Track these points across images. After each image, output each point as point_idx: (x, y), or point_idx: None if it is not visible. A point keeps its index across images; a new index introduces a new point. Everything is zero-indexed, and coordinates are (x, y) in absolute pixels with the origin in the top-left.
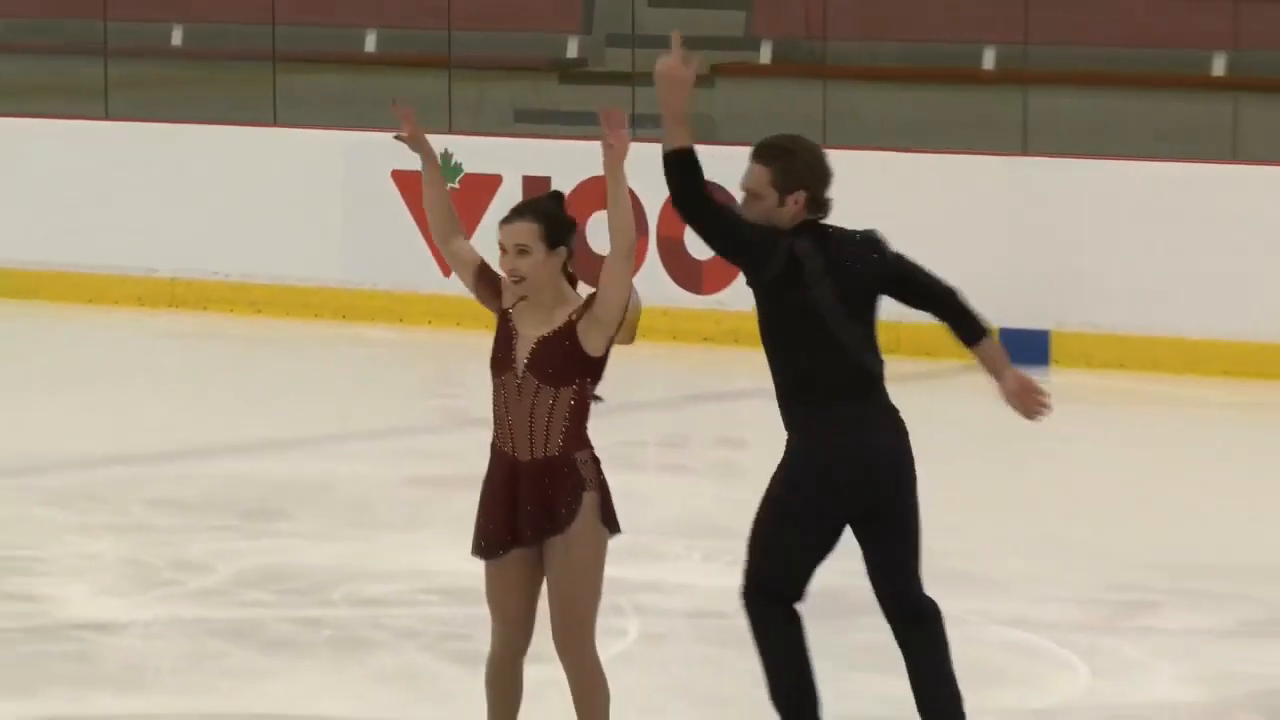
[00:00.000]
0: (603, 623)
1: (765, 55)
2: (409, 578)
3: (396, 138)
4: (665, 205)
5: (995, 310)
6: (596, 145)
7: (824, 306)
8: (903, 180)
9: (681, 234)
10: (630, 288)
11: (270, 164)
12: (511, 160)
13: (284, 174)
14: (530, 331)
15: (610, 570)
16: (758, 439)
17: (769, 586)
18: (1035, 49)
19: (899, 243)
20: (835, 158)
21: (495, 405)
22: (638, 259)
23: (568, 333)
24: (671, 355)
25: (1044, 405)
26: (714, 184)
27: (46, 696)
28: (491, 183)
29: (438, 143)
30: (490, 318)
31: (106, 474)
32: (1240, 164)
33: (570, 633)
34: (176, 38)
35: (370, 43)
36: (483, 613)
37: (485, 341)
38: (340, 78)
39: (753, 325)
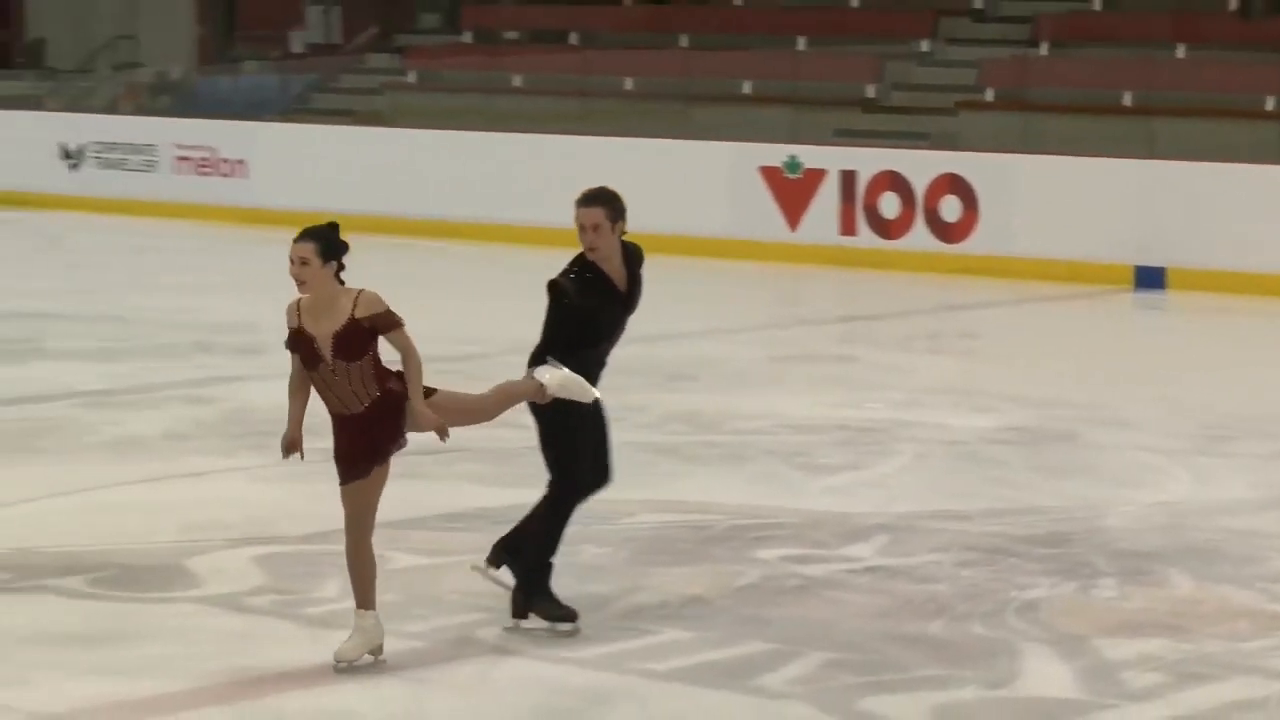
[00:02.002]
0: (882, 449)
1: (989, 95)
2: (769, 417)
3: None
4: (930, 185)
5: (1132, 254)
6: (886, 151)
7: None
8: (1073, 175)
9: (937, 205)
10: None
11: (685, 158)
12: (833, 160)
13: (693, 164)
14: (324, 330)
15: (890, 414)
16: (988, 334)
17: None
18: (1157, 93)
19: (1072, 210)
20: (1036, 162)
21: (320, 390)
22: None
23: (354, 326)
24: (929, 281)
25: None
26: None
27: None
28: (820, 175)
29: (786, 150)
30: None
31: None
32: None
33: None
34: (629, 84)
35: (746, 88)
36: (815, 439)
37: (816, 273)
38: (726, 110)
39: (983, 264)
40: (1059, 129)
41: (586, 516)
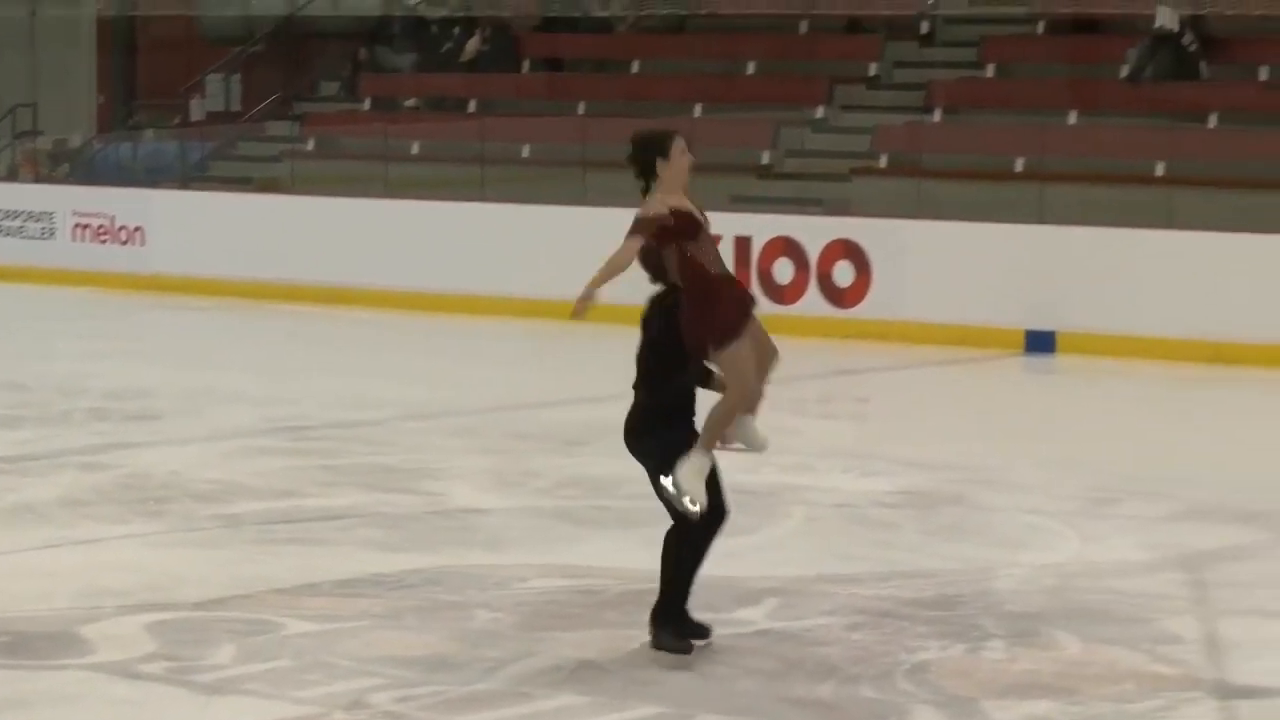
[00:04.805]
0: (776, 510)
1: (883, 162)
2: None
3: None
4: (824, 251)
5: (1022, 318)
6: (780, 217)
7: None
8: (965, 240)
9: (830, 270)
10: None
11: (582, 225)
12: (727, 226)
13: (590, 232)
14: None
15: (781, 478)
16: (879, 398)
17: None
18: (1049, 159)
19: (963, 274)
20: (927, 227)
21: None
22: None
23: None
24: (822, 345)
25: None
26: None
27: (442, 554)
28: (715, 238)
29: None
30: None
31: (490, 418)
32: (1175, 231)
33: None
34: (526, 151)
35: None
36: None
37: None
38: (623, 177)
39: (875, 328)
40: (951, 195)
41: (482, 581)
